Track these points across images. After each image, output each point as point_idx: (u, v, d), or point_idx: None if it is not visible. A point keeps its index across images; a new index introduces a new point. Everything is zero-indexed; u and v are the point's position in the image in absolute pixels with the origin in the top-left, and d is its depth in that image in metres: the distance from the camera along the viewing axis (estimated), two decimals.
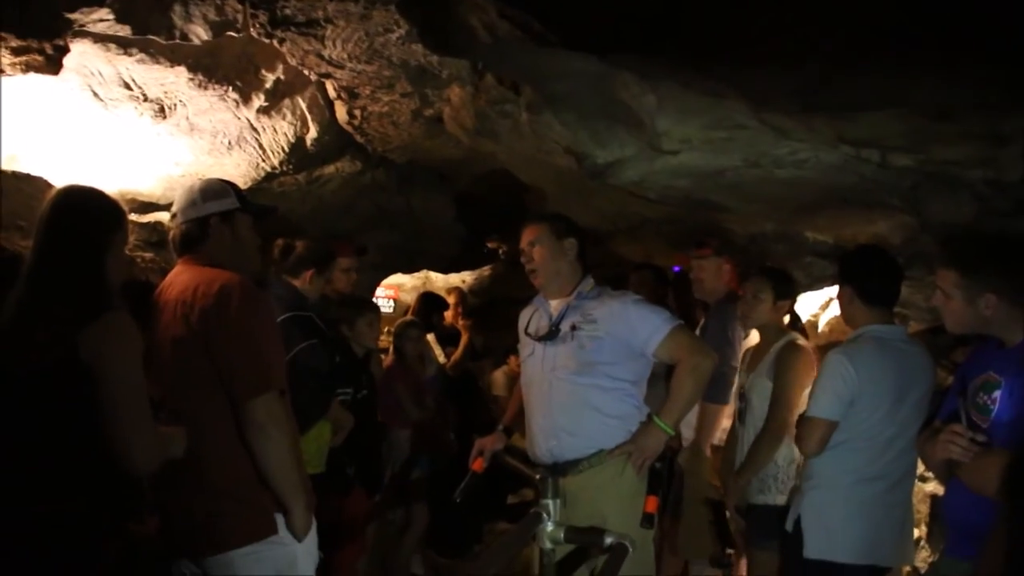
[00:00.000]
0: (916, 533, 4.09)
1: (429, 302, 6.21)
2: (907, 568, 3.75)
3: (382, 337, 7.08)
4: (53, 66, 2.73)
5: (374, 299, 6.53)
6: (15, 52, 2.59)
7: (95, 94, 3.23)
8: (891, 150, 3.18)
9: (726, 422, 3.98)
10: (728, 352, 3.92)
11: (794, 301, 3.77)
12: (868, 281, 2.99)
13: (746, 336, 4.01)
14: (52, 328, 1.95)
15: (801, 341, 3.56)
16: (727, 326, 4.01)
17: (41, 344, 1.94)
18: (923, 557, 4.06)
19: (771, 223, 4.82)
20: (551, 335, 3.06)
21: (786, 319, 3.72)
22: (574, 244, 3.14)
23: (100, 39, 2.93)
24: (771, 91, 2.87)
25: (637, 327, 2.96)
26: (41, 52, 2.64)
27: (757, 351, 3.68)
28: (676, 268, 5.23)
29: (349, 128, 4.35)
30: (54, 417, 1.95)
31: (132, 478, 2.02)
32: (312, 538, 2.37)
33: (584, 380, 2.96)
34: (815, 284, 4.83)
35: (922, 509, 4.10)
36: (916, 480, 4.25)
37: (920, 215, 3.71)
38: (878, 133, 3.08)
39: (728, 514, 3.79)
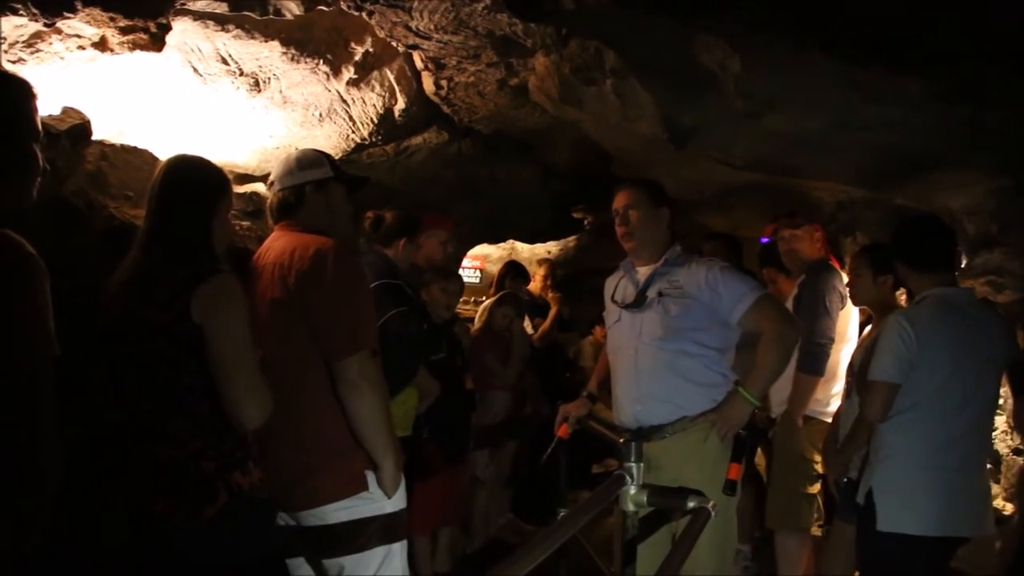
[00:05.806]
0: (1009, 508, 3.99)
1: (510, 270, 6.23)
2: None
3: (469, 307, 7.19)
4: (157, 44, 2.86)
5: (460, 269, 6.58)
6: (123, 31, 2.72)
7: (195, 70, 3.36)
8: (985, 104, 3.07)
9: (819, 393, 3.92)
10: (825, 323, 3.82)
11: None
12: (911, 249, 2.94)
13: (843, 308, 3.93)
14: (168, 287, 2.06)
15: None
16: (823, 296, 3.86)
17: (159, 301, 2.06)
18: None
19: (860, 190, 4.71)
20: (638, 302, 3.04)
21: (900, 293, 3.58)
22: (668, 213, 3.13)
23: (199, 16, 3.06)
24: (857, 46, 2.81)
25: (723, 294, 2.93)
26: (146, 31, 2.77)
27: (873, 328, 3.58)
28: (764, 239, 5.14)
29: (436, 99, 4.41)
30: (168, 369, 2.06)
31: (239, 431, 2.12)
32: (401, 495, 2.44)
33: (670, 346, 2.94)
34: None
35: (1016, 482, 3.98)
36: (1012, 453, 4.16)
37: (1015, 178, 3.58)
38: (971, 86, 2.99)
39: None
